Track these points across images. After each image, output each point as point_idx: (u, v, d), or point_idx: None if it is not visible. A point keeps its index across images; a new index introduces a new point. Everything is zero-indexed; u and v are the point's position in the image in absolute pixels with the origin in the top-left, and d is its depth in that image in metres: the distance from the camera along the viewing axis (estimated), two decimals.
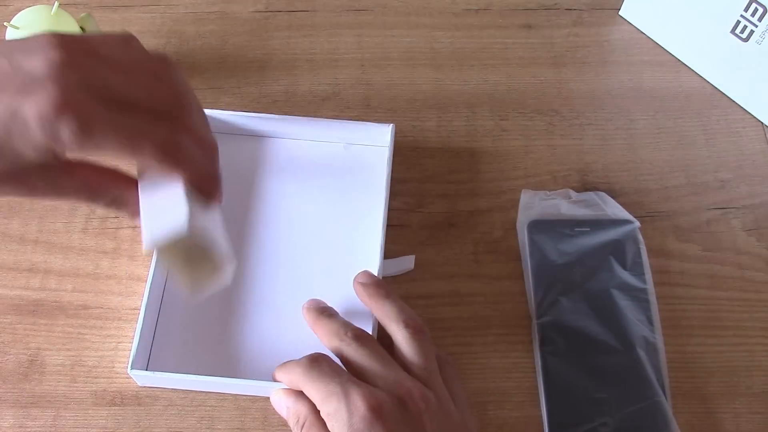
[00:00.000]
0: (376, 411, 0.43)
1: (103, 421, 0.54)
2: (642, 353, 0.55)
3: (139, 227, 0.44)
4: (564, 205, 0.62)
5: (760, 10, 0.62)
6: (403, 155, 0.65)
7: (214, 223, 0.46)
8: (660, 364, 0.56)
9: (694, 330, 0.58)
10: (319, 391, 0.45)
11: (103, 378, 0.56)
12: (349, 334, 0.48)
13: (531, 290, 0.58)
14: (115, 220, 0.62)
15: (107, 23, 0.71)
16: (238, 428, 0.54)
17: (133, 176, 0.47)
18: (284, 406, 0.48)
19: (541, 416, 0.55)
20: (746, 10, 0.63)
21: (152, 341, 0.57)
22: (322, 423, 0.45)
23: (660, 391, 0.54)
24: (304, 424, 0.46)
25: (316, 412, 0.46)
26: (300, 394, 0.47)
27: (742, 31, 0.64)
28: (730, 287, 0.60)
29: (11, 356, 0.57)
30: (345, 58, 0.71)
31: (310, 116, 0.64)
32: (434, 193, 0.64)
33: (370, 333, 0.52)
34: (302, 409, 0.46)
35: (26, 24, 0.60)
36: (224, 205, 0.63)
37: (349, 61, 0.71)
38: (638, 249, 0.60)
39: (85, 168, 0.46)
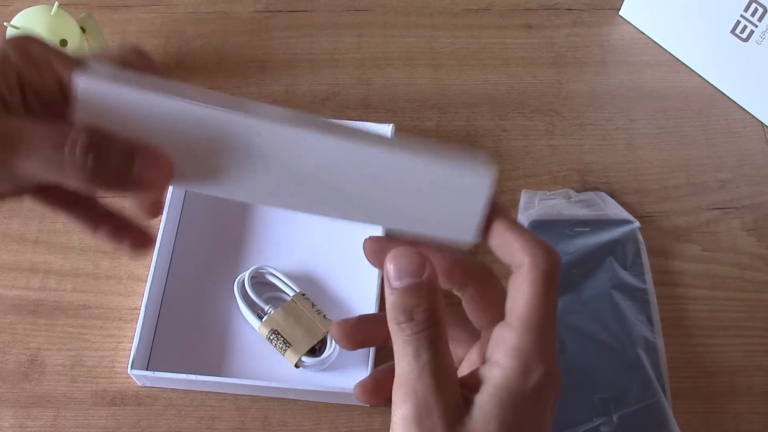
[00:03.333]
0: None
1: (103, 421, 0.54)
2: (642, 353, 0.55)
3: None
4: (564, 205, 0.61)
5: (760, 10, 0.62)
6: None
7: None
8: (660, 364, 0.56)
9: (694, 330, 0.58)
10: None
11: (104, 378, 0.56)
12: None
13: None
14: None
15: (107, 23, 0.71)
16: (237, 428, 0.54)
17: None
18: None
19: None
20: (746, 10, 0.63)
21: (152, 341, 0.57)
22: None
23: (660, 391, 0.54)
24: None
25: None
26: None
27: (742, 31, 0.64)
28: (730, 287, 0.60)
29: (11, 356, 0.57)
30: (345, 58, 0.71)
31: None
32: None
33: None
34: None
35: (26, 24, 0.60)
36: (224, 205, 0.63)
37: (349, 61, 0.71)
38: (638, 249, 0.60)
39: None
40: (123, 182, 0.30)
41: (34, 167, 0.29)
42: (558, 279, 0.31)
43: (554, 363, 0.31)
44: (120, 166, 0.29)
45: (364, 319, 0.36)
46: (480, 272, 0.34)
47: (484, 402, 0.30)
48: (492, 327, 0.32)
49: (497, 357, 0.30)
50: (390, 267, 0.31)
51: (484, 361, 0.31)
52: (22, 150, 0.28)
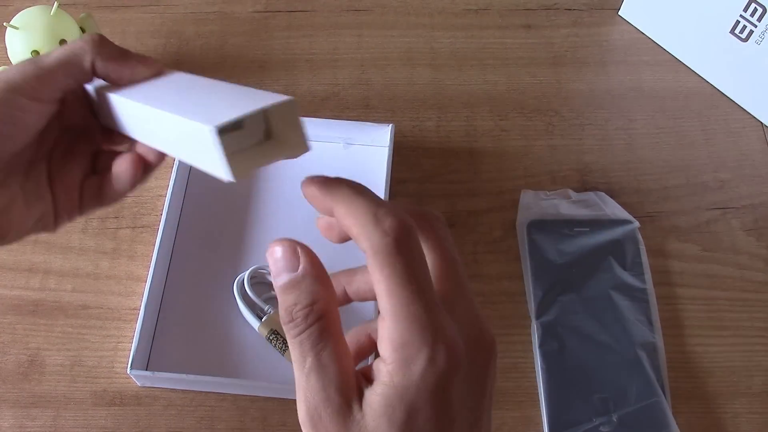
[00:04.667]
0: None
1: (103, 421, 0.54)
2: (641, 353, 0.56)
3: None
4: (563, 205, 0.62)
5: (760, 10, 0.62)
6: (402, 155, 0.65)
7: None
8: (659, 364, 0.56)
9: (694, 330, 0.58)
10: None
11: (103, 378, 0.56)
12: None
13: (530, 290, 0.58)
14: (115, 220, 0.62)
15: (107, 23, 0.71)
16: (237, 428, 0.54)
17: None
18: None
19: (540, 416, 0.55)
20: (746, 10, 0.63)
21: (152, 341, 0.57)
22: None
23: (659, 391, 0.54)
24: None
25: None
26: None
27: (742, 31, 0.64)
28: (730, 287, 0.60)
29: (11, 356, 0.57)
30: (344, 58, 0.71)
31: (310, 116, 0.64)
32: (434, 193, 0.64)
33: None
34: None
35: (26, 24, 0.60)
36: (224, 205, 0.63)
37: (349, 61, 0.71)
38: (638, 249, 0.60)
39: None
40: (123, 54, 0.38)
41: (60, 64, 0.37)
42: (404, 250, 0.28)
43: (446, 340, 0.28)
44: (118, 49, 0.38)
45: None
46: None
47: (372, 400, 0.28)
48: None
49: (381, 353, 0.29)
50: (269, 264, 0.30)
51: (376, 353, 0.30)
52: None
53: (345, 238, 0.32)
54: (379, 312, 0.29)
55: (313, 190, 0.31)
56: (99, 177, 0.41)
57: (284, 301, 0.29)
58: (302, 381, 0.29)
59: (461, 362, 0.28)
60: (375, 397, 0.28)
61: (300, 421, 0.29)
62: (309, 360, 0.29)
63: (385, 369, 0.28)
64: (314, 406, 0.28)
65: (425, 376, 0.28)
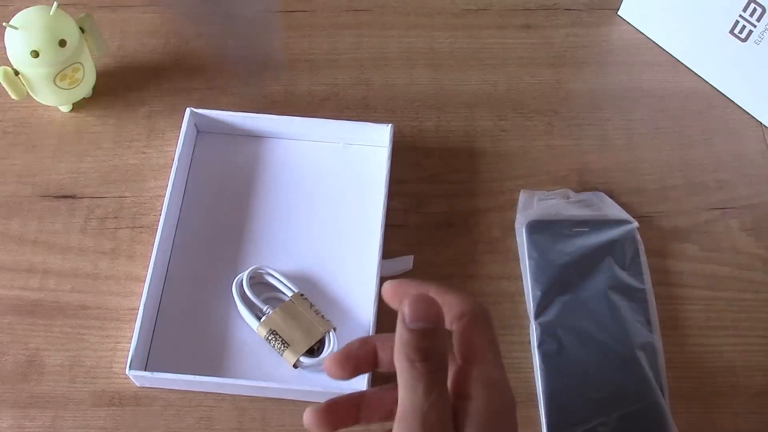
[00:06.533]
0: None
1: (102, 422, 0.55)
2: (640, 353, 0.55)
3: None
4: (562, 205, 0.61)
5: (759, 10, 0.62)
6: (401, 155, 0.65)
7: None
8: (658, 364, 0.56)
9: (693, 330, 0.58)
10: None
11: (102, 378, 0.56)
12: None
13: (529, 290, 0.58)
14: (114, 220, 0.62)
15: (107, 23, 0.72)
16: (236, 428, 0.55)
17: None
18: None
19: (539, 416, 0.55)
20: (745, 10, 0.63)
21: (151, 341, 0.57)
22: None
23: (658, 392, 0.54)
24: None
25: None
26: None
27: (741, 31, 0.64)
28: (729, 287, 0.60)
29: (10, 356, 0.57)
30: (344, 59, 0.71)
31: (309, 116, 0.64)
32: (433, 193, 0.64)
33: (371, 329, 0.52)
34: None
35: (25, 24, 0.60)
36: (223, 205, 0.63)
37: (348, 61, 0.71)
38: (637, 249, 0.60)
39: None
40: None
41: None
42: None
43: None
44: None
45: (332, 403, 0.38)
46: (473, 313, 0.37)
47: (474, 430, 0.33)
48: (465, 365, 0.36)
49: (469, 391, 0.34)
50: (408, 309, 0.33)
51: (456, 397, 0.35)
52: None
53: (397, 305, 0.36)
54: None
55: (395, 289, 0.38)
56: None
57: (418, 343, 0.33)
58: (422, 411, 0.33)
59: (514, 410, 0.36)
60: (475, 427, 0.34)
61: None
62: (435, 394, 0.33)
63: (477, 404, 0.34)
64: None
65: (512, 406, 0.36)
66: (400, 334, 0.33)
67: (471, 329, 0.35)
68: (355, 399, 0.38)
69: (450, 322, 0.36)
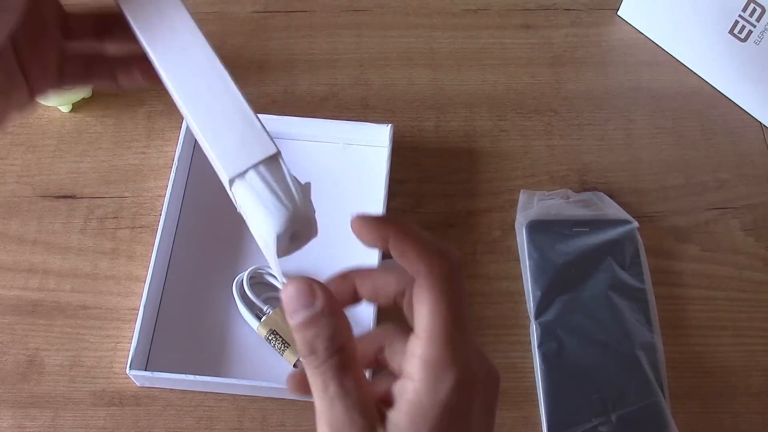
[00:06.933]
0: None
1: (102, 422, 0.54)
2: (640, 353, 0.56)
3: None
4: (562, 205, 0.62)
5: (759, 10, 0.62)
6: (401, 155, 0.65)
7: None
8: (658, 364, 0.56)
9: (693, 330, 0.58)
10: None
11: (102, 378, 0.56)
12: None
13: (529, 290, 0.58)
14: (114, 220, 0.62)
15: None
16: (236, 428, 0.55)
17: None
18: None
19: (539, 416, 0.55)
20: (744, 10, 0.63)
21: (151, 341, 0.57)
22: None
23: (659, 391, 0.54)
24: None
25: None
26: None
27: (741, 31, 0.64)
28: (729, 287, 0.60)
29: (10, 356, 0.57)
30: (343, 59, 0.71)
31: (309, 116, 0.64)
32: (433, 193, 0.64)
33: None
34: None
35: None
36: (222, 206, 0.63)
37: (348, 61, 0.71)
38: (637, 249, 0.60)
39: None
40: None
41: None
42: (458, 280, 0.31)
43: (470, 366, 0.30)
44: None
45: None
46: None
47: (398, 419, 0.30)
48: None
49: (408, 370, 0.30)
50: (284, 302, 0.31)
51: (403, 376, 0.31)
52: None
53: (380, 245, 0.32)
54: (388, 328, 0.33)
55: (367, 222, 0.33)
56: (85, 62, 0.39)
57: (304, 336, 0.31)
58: (325, 407, 0.30)
59: (479, 390, 0.31)
60: (401, 415, 0.29)
61: None
62: (332, 387, 0.30)
63: (412, 386, 0.30)
64: (339, 431, 0.29)
65: (451, 397, 0.29)
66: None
67: (419, 296, 0.31)
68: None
69: (404, 281, 0.33)
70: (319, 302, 0.31)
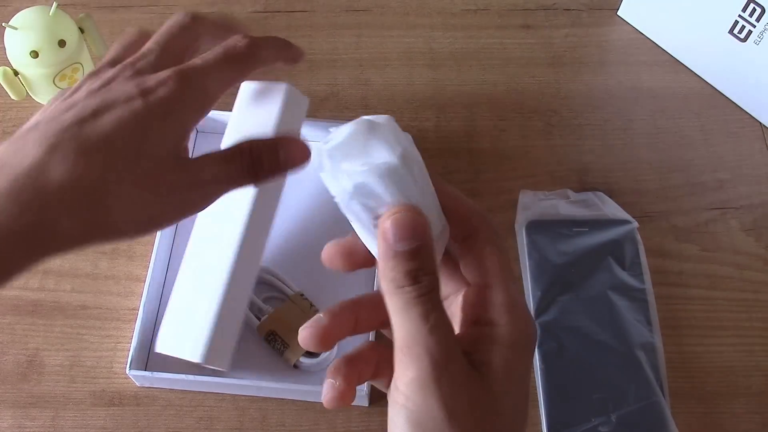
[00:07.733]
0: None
1: (102, 422, 0.55)
2: (640, 353, 0.56)
3: None
4: (562, 205, 0.62)
5: (758, 10, 0.62)
6: None
7: None
8: (658, 364, 0.56)
9: (693, 330, 0.58)
10: None
11: (102, 378, 0.56)
12: None
13: (529, 290, 0.58)
14: None
15: (106, 24, 0.71)
16: (236, 428, 0.55)
17: None
18: None
19: (539, 416, 0.55)
20: (744, 10, 0.63)
21: (151, 341, 0.57)
22: None
23: (659, 391, 0.54)
24: None
25: None
26: None
27: (740, 32, 0.64)
28: (729, 287, 0.60)
29: (10, 356, 0.57)
30: (343, 59, 0.71)
31: (309, 116, 0.64)
32: None
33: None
34: None
35: (25, 24, 0.60)
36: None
37: (348, 61, 0.71)
38: (636, 249, 0.60)
39: None
40: (275, 169, 0.44)
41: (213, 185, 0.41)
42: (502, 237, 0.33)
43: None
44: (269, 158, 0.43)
45: (334, 314, 0.35)
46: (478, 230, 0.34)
47: (497, 361, 0.31)
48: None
49: (493, 317, 0.31)
50: (391, 229, 0.30)
51: (471, 322, 0.32)
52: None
53: (359, 266, 0.35)
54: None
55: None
56: None
57: (405, 265, 0.30)
58: (423, 336, 0.29)
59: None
60: (498, 357, 0.31)
61: (412, 379, 0.29)
62: (434, 316, 0.30)
63: (502, 331, 0.31)
64: (441, 361, 0.29)
65: (532, 337, 0.32)
66: (385, 260, 0.30)
67: (483, 250, 0.32)
68: (351, 306, 0.36)
69: (454, 237, 0.33)
70: (429, 237, 0.30)
